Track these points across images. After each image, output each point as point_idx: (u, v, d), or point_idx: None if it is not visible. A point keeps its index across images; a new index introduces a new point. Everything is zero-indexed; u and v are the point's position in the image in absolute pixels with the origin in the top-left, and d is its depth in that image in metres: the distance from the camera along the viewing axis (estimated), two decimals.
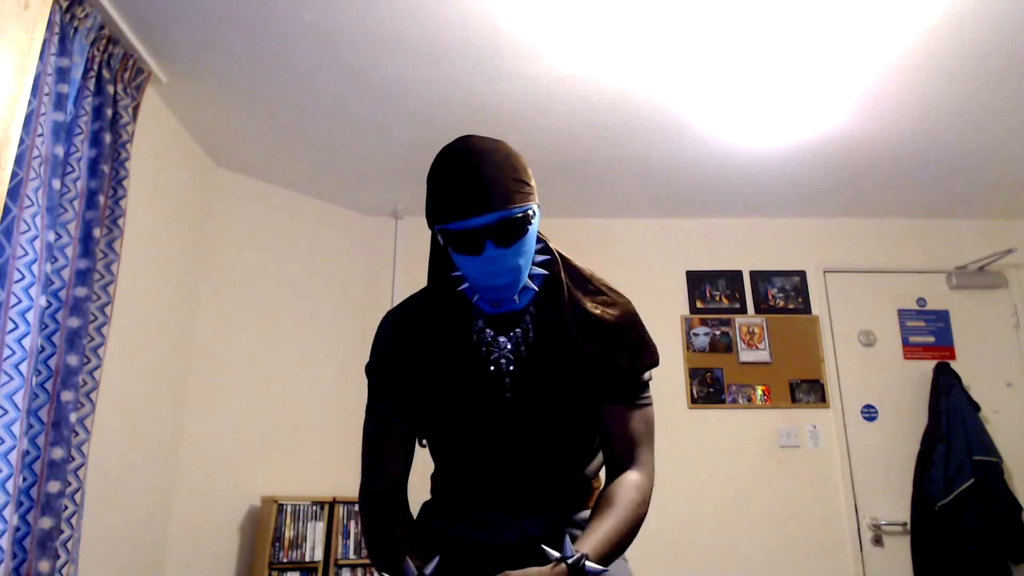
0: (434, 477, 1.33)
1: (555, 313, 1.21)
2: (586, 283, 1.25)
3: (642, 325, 1.25)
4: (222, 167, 3.39)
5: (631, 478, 1.16)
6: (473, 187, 1.06)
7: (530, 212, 1.11)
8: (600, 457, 1.27)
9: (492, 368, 1.19)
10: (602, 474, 1.28)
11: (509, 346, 1.20)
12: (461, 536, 1.22)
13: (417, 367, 1.21)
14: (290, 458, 3.33)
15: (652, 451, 1.23)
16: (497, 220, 1.07)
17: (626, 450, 1.19)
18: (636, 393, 1.22)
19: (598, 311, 1.21)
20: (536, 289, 1.22)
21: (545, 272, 1.23)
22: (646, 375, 1.24)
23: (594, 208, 3.83)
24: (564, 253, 1.28)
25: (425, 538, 1.24)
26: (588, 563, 0.99)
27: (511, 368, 1.19)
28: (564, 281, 1.22)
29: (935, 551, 3.24)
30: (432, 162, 1.15)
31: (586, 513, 1.23)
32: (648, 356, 1.23)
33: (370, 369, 1.28)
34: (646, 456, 1.21)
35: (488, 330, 1.21)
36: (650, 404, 1.24)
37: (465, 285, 1.21)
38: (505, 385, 1.19)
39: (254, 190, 3.50)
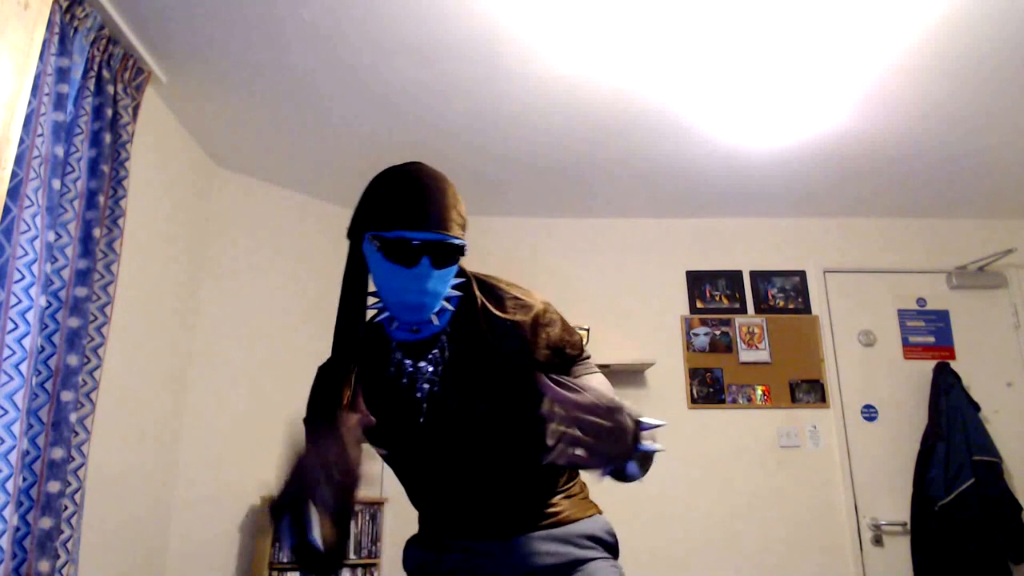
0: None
1: (470, 327, 1.22)
2: (498, 292, 1.25)
3: (559, 319, 1.25)
4: (222, 167, 3.39)
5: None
6: (429, 203, 1.12)
7: (465, 247, 1.15)
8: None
9: (419, 395, 1.20)
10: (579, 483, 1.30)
11: (431, 369, 1.21)
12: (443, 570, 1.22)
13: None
14: None
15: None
16: (440, 240, 1.11)
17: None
18: (571, 367, 1.23)
19: (510, 316, 1.21)
20: (452, 310, 1.22)
21: (459, 293, 1.23)
22: (583, 357, 1.25)
23: (594, 208, 3.83)
24: (472, 270, 1.29)
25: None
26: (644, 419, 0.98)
27: (434, 390, 1.20)
28: (477, 296, 1.23)
29: (935, 551, 3.24)
30: (379, 175, 1.18)
31: (561, 529, 1.22)
32: (570, 346, 1.23)
33: (307, 422, 1.26)
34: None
35: (407, 360, 1.22)
36: (596, 372, 1.24)
37: (384, 316, 1.21)
38: (423, 410, 1.19)
39: (254, 190, 3.50)
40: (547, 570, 1.17)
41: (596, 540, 1.24)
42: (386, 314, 1.21)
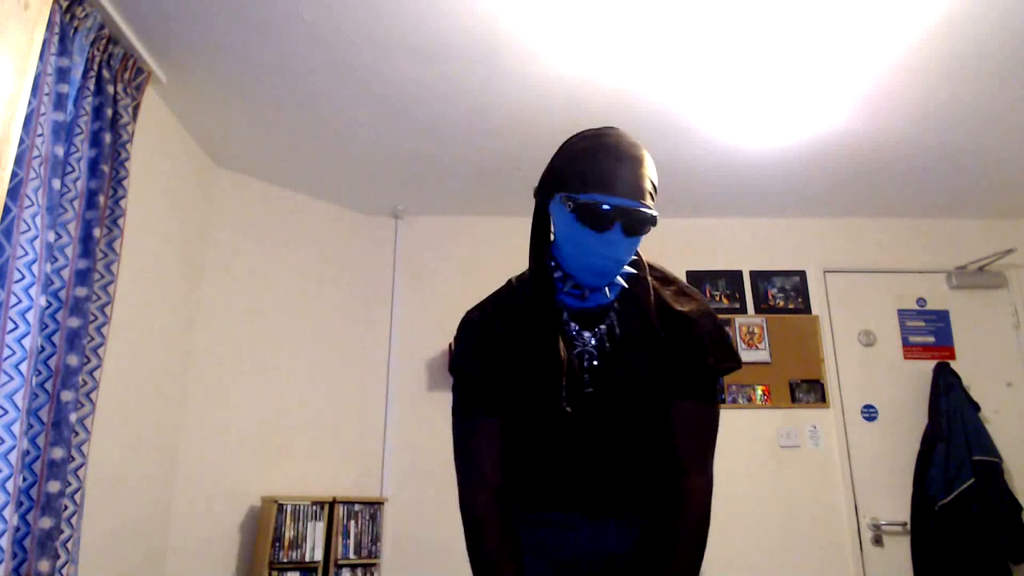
0: (508, 479, 1.29)
1: (639, 310, 1.21)
2: (669, 282, 1.26)
3: (723, 325, 1.25)
4: (222, 167, 3.39)
5: (693, 488, 1.17)
6: (625, 169, 1.11)
7: (656, 218, 1.14)
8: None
9: (578, 363, 1.18)
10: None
11: (593, 341, 1.19)
12: (547, 545, 1.21)
13: (501, 363, 1.20)
14: (290, 458, 3.33)
15: (714, 448, 1.22)
16: (637, 208, 1.11)
17: (691, 447, 1.18)
18: (711, 390, 1.22)
19: (684, 308, 1.20)
20: (624, 285, 1.22)
21: (633, 271, 1.23)
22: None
23: None
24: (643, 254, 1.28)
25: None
26: None
27: (594, 363, 1.18)
28: (649, 279, 1.23)
29: (935, 551, 3.24)
30: (573, 138, 1.19)
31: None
32: (733, 359, 1.23)
33: (455, 371, 1.26)
34: (709, 454, 1.20)
35: (573, 323, 1.21)
36: (719, 400, 1.24)
37: (557, 275, 1.20)
38: (585, 381, 1.18)
39: (254, 190, 3.50)
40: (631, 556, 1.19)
41: None
42: (558, 274, 1.20)
